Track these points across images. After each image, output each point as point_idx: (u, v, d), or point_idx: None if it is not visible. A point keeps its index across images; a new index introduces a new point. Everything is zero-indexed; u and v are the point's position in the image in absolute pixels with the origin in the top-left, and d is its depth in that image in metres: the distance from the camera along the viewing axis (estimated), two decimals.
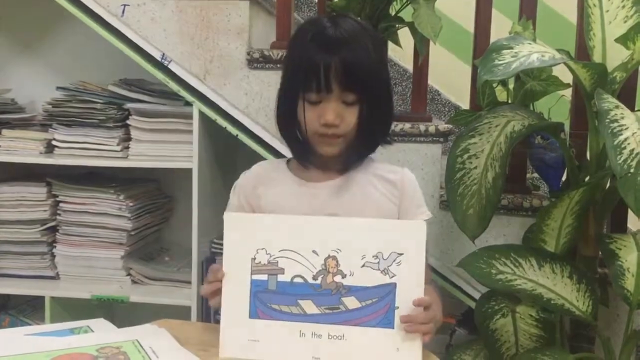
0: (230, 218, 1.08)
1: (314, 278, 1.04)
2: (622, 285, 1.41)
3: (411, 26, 1.67)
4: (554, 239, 1.54)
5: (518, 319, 1.54)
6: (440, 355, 1.11)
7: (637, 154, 1.25)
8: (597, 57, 1.53)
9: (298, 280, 1.04)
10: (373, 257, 1.03)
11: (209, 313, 1.94)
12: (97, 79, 2.09)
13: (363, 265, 1.03)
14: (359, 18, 1.75)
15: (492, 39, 1.58)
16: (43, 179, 2.07)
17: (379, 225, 1.07)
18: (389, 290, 1.03)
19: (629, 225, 1.76)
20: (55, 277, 2.08)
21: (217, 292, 1.07)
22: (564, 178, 1.75)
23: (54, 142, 2.03)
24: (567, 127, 1.68)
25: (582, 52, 1.64)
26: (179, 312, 1.84)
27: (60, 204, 2.06)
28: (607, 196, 1.55)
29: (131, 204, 2.03)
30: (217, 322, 1.08)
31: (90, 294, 1.97)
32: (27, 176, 2.11)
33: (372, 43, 1.16)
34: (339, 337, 1.02)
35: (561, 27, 2.42)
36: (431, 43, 1.71)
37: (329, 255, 1.04)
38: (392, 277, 1.03)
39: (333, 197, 1.20)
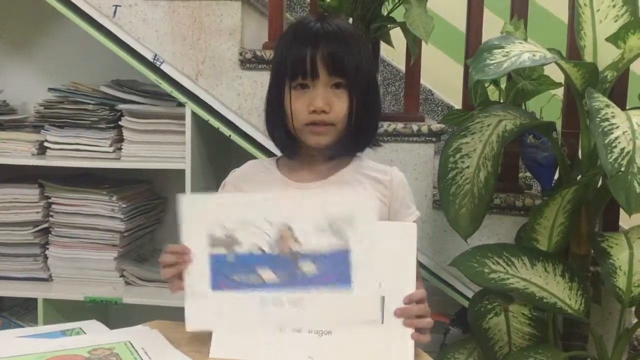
0: (184, 199, 1.09)
1: (271, 248, 1.04)
2: (614, 283, 1.42)
3: (403, 26, 1.67)
4: (546, 237, 1.55)
5: (511, 317, 1.54)
6: (433, 355, 1.11)
7: (627, 152, 1.25)
8: (588, 57, 1.54)
9: (255, 251, 1.04)
10: (328, 224, 1.02)
11: None
12: (89, 80, 2.08)
13: (317, 231, 1.03)
14: (351, 19, 1.76)
15: (484, 39, 1.59)
16: (35, 180, 2.06)
17: (331, 194, 1.09)
18: (344, 254, 1.02)
19: (620, 223, 1.77)
20: (48, 279, 2.07)
21: (179, 275, 1.06)
22: (556, 177, 1.76)
23: (46, 144, 2.02)
24: (558, 126, 1.68)
25: (573, 52, 1.64)
26: (172, 314, 1.82)
27: (53, 206, 2.05)
28: (599, 195, 1.56)
29: (124, 205, 2.03)
30: None
31: (83, 295, 1.97)
32: (19, 178, 2.10)
33: (358, 37, 1.19)
34: (298, 303, 1.02)
35: (552, 27, 2.43)
36: (423, 43, 1.71)
37: (283, 224, 1.03)
38: (347, 241, 1.02)
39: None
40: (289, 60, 1.15)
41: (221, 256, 1.04)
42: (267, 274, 1.03)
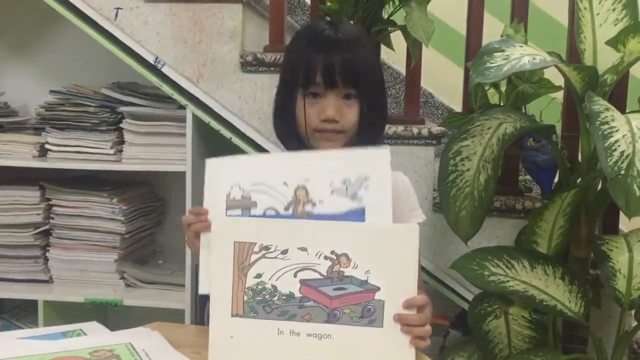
0: (210, 162, 1.10)
1: (285, 209, 1.05)
2: (614, 286, 1.42)
3: (404, 29, 1.68)
4: (546, 240, 1.55)
5: (511, 320, 1.54)
6: (433, 357, 1.12)
7: (627, 155, 1.25)
8: (588, 60, 1.54)
9: (270, 212, 1.05)
10: (341, 183, 1.04)
11: (203, 316, 1.93)
12: (91, 82, 2.08)
13: (332, 192, 1.05)
14: (351, 22, 1.76)
15: (484, 42, 1.59)
16: (36, 182, 2.07)
17: (346, 154, 1.10)
18: (359, 215, 1.04)
19: (620, 226, 1.77)
20: (49, 281, 2.07)
21: (197, 235, 1.08)
22: (555, 180, 1.76)
23: (47, 146, 2.02)
24: (558, 129, 1.69)
25: (573, 55, 1.65)
26: (173, 315, 1.84)
27: (54, 208, 2.05)
28: (599, 198, 1.56)
29: (124, 207, 2.03)
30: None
31: (83, 297, 1.97)
32: (20, 180, 2.10)
33: (369, 45, 1.21)
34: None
35: (552, 30, 2.44)
36: (424, 46, 1.71)
37: (298, 186, 1.05)
38: (361, 200, 1.04)
39: None
40: (302, 69, 1.16)
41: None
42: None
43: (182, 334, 1.16)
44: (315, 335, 1.02)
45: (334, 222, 1.05)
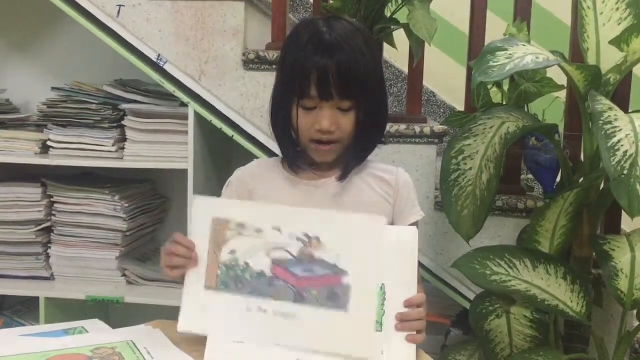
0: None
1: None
2: (616, 286, 1.42)
3: (406, 28, 1.67)
4: (548, 240, 1.55)
5: (512, 319, 1.54)
6: (435, 356, 1.12)
7: (630, 155, 1.25)
8: (591, 59, 1.54)
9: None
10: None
11: None
12: (93, 79, 2.08)
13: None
14: (354, 20, 1.75)
15: (487, 41, 1.59)
16: (38, 179, 2.07)
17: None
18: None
19: (622, 226, 1.77)
20: (50, 278, 2.07)
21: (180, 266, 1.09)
22: (558, 179, 1.76)
23: (49, 143, 2.03)
24: (561, 129, 1.68)
25: (577, 54, 1.64)
26: (174, 313, 1.82)
27: (55, 205, 2.05)
28: (601, 197, 1.56)
29: (126, 205, 2.03)
30: None
31: (85, 294, 1.97)
32: (22, 177, 2.10)
33: (367, 46, 1.16)
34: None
35: (555, 29, 2.43)
36: (426, 45, 1.71)
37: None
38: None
39: (327, 196, 1.21)
40: (297, 79, 1.13)
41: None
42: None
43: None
44: (281, 315, 1.03)
45: (309, 209, 1.08)
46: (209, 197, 1.12)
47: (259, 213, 1.06)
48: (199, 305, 1.07)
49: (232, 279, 1.05)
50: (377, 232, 1.03)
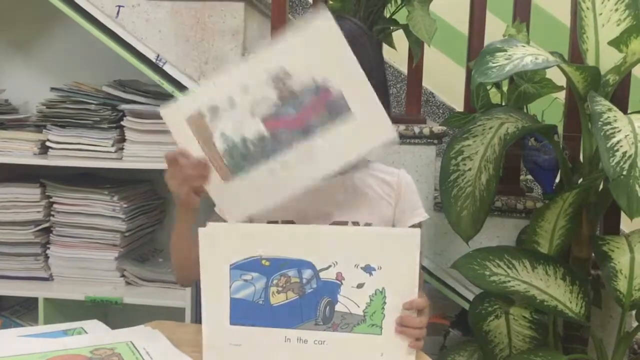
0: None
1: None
2: (615, 287, 1.42)
3: (406, 28, 1.68)
4: (547, 240, 1.55)
5: (511, 320, 1.54)
6: (434, 357, 1.11)
7: (629, 156, 1.25)
8: (590, 60, 1.54)
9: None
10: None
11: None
12: (92, 80, 2.08)
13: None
14: (358, 20, 1.75)
15: (486, 42, 1.59)
16: (37, 180, 2.07)
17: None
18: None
19: (621, 227, 1.77)
20: (49, 279, 2.07)
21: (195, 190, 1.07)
22: (557, 180, 1.76)
23: (48, 143, 2.02)
24: (560, 130, 1.69)
25: (576, 55, 1.65)
26: (173, 314, 1.84)
27: (54, 205, 2.05)
28: (600, 198, 1.56)
29: (125, 205, 2.03)
30: None
31: (83, 295, 1.97)
32: (20, 177, 2.10)
33: (370, 44, 1.17)
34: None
35: (555, 30, 2.44)
36: (425, 45, 1.71)
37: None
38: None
39: (328, 197, 1.20)
40: None
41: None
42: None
43: (182, 333, 1.16)
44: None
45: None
46: (170, 104, 1.09)
47: (220, 86, 1.04)
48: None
49: (240, 158, 1.04)
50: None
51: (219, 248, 1.04)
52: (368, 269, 1.03)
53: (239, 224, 1.10)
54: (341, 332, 1.02)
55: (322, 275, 1.03)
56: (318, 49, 1.00)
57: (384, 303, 1.02)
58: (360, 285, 1.02)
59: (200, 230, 1.05)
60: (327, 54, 1.00)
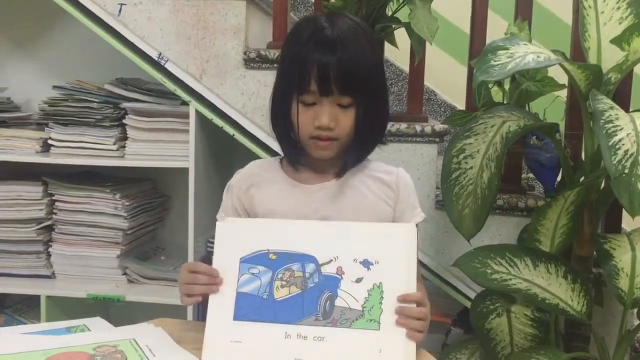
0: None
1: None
2: (617, 285, 1.42)
3: (407, 27, 1.67)
4: (549, 239, 1.55)
5: (513, 318, 1.54)
6: (435, 355, 1.11)
7: (631, 154, 1.25)
8: (592, 58, 1.54)
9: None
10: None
11: (205, 312, 1.93)
12: (94, 78, 2.09)
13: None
14: (356, 17, 1.75)
15: (488, 40, 1.59)
16: (39, 178, 2.07)
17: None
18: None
19: (623, 225, 1.77)
20: (51, 276, 2.08)
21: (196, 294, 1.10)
22: (559, 178, 1.76)
23: (50, 141, 2.03)
24: (562, 128, 1.69)
25: (578, 53, 1.64)
26: (175, 311, 1.83)
27: (56, 203, 2.05)
28: (602, 196, 1.56)
29: (127, 203, 2.03)
30: None
31: (86, 293, 1.97)
32: (23, 175, 2.10)
33: (369, 43, 1.16)
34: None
35: (557, 28, 2.43)
36: (427, 43, 1.71)
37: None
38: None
39: (326, 199, 1.20)
40: (296, 75, 1.12)
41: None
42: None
43: (184, 330, 1.16)
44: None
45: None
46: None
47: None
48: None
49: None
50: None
51: (233, 242, 1.08)
52: (366, 264, 1.04)
53: (253, 220, 1.15)
54: (340, 328, 1.02)
55: (324, 269, 1.04)
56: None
57: (382, 298, 1.03)
58: (359, 280, 1.03)
59: (218, 225, 1.09)
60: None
